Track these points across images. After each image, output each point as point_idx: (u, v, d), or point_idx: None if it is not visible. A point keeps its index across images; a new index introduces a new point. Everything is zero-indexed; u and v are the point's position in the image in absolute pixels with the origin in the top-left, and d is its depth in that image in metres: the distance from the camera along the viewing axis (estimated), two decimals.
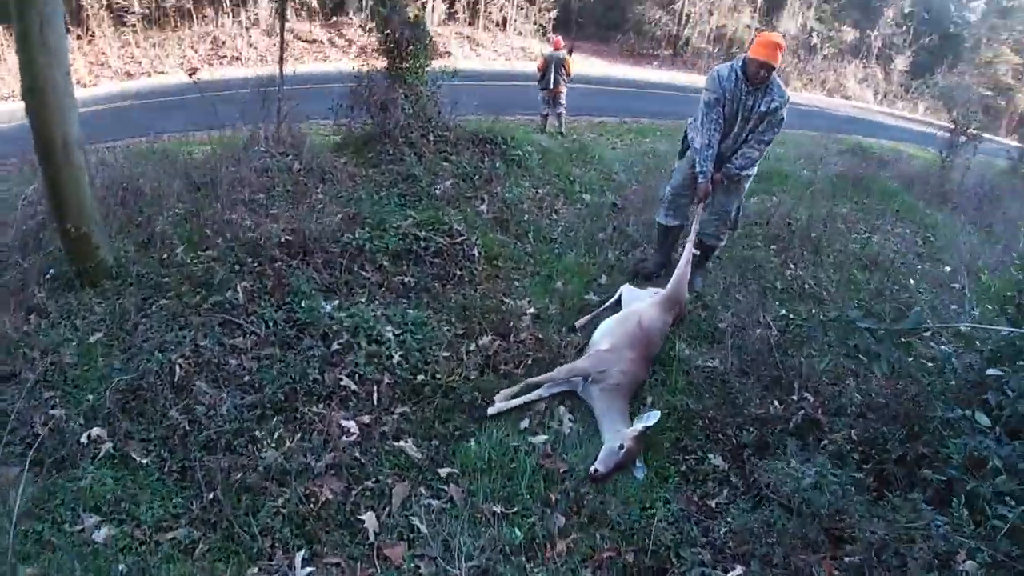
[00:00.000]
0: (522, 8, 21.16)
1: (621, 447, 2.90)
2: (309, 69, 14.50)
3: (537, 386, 3.32)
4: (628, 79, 19.89)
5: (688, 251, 4.10)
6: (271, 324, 3.39)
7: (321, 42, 16.88)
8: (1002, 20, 30.56)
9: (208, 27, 16.10)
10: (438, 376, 3.18)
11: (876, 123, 19.82)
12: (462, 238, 4.36)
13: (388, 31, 6.11)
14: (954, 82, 29.12)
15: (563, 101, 9.93)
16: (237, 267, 3.80)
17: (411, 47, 6.18)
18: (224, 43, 15.89)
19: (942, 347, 3.21)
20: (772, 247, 5.60)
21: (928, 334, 3.01)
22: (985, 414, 2.65)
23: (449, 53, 18.56)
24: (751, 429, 3.14)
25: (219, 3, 16.21)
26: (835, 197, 7.57)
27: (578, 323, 3.91)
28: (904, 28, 27.91)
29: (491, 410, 3.14)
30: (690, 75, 22.67)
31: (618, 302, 4.03)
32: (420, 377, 3.16)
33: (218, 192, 4.65)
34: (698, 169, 4.12)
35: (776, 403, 3.28)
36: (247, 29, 16.31)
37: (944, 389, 3.04)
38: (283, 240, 4.02)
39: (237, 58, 15.50)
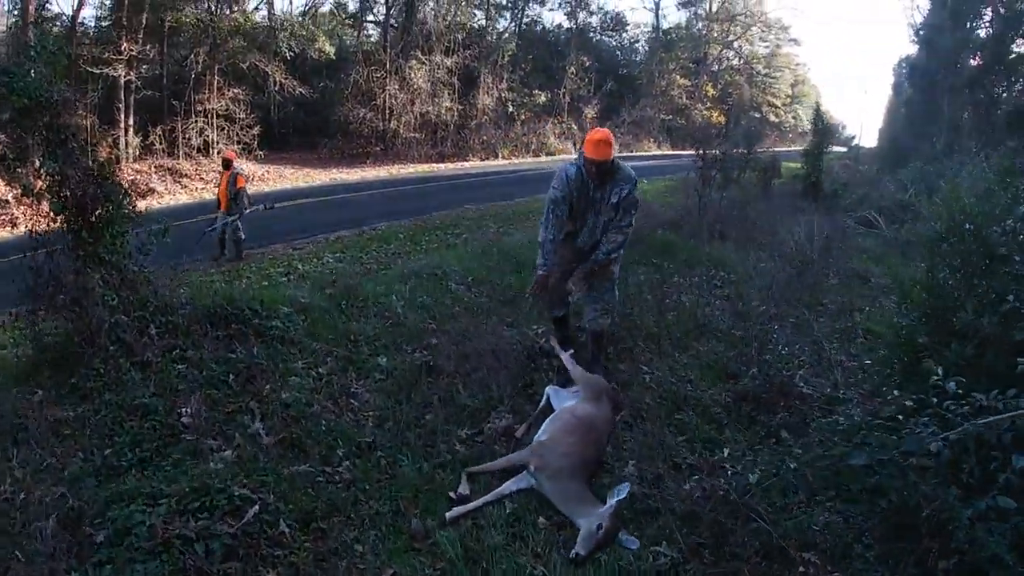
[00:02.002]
0: (223, 128, 20.14)
1: (599, 527, 2.88)
2: None
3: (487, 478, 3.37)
4: (346, 184, 19.51)
5: (566, 356, 4.23)
6: None
7: (6, 201, 13.57)
8: (667, 52, 36.02)
9: None
10: None
11: None
12: (254, 508, 2.94)
13: (65, 192, 4.38)
14: (639, 115, 33.51)
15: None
16: None
17: (101, 210, 4.49)
18: None
19: (936, 442, 2.68)
20: (610, 350, 5.02)
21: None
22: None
23: (152, 190, 17.06)
24: None
25: None
26: (627, 267, 7.38)
27: (518, 432, 3.84)
28: (586, 80, 31.47)
29: (448, 515, 3.11)
30: (404, 167, 22.95)
31: (549, 405, 4.00)
32: None
33: None
34: (539, 261, 4.41)
35: None
36: None
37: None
38: None
39: None
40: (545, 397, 4.08)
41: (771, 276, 7.50)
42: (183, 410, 3.82)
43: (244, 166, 19.55)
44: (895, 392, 3.71)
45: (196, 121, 19.68)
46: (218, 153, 19.52)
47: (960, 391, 2.69)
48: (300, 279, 9.05)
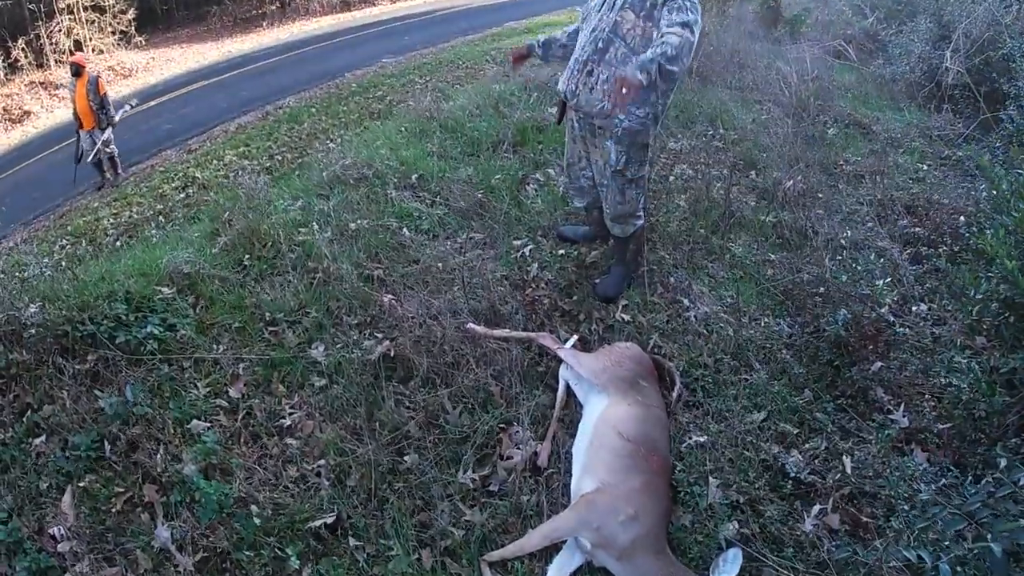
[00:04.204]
0: (93, 21, 16.83)
1: None
2: None
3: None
4: (243, 55, 16.79)
5: (566, 351, 2.77)
6: None
7: None
8: None
9: None
10: None
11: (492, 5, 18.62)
12: None
13: None
14: None
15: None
16: None
17: None
18: None
19: None
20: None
21: None
22: None
23: (28, 113, 14.48)
24: None
25: None
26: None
27: (540, 459, 2.50)
28: None
29: None
30: (306, 23, 19.94)
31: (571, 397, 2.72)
32: None
33: None
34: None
35: None
36: None
37: None
38: None
39: None
40: (562, 386, 2.74)
41: (777, 133, 6.13)
42: (56, 530, 2.31)
43: (125, 58, 16.82)
44: None
45: (61, 20, 16.44)
46: (95, 51, 16.73)
47: None
48: (200, 191, 7.37)
